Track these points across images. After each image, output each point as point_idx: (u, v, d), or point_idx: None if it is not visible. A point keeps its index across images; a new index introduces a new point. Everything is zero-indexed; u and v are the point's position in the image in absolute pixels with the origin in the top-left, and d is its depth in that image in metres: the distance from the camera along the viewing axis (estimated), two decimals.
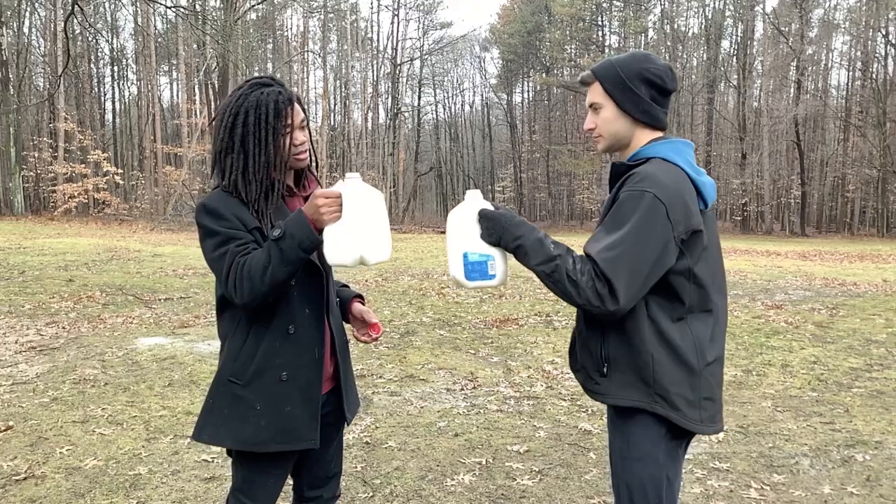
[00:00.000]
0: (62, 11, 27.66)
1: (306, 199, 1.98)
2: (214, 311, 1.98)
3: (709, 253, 1.77)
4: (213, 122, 1.89)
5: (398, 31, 45.76)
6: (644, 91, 1.78)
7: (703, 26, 39.55)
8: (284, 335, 1.85)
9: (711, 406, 1.77)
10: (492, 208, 1.80)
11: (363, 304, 2.19)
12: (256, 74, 2.13)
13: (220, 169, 1.85)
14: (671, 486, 1.79)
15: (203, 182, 32.79)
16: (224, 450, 3.58)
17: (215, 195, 1.83)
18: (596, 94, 1.82)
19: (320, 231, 1.74)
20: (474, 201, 1.84)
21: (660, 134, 1.85)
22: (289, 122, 1.83)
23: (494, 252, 1.79)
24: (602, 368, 1.80)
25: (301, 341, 1.87)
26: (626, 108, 1.79)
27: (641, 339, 1.72)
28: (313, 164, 2.01)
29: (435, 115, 58.77)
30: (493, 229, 1.76)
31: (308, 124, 1.94)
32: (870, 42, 36.60)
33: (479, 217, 1.80)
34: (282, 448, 1.87)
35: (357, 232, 1.75)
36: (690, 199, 1.72)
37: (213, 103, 30.92)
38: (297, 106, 1.86)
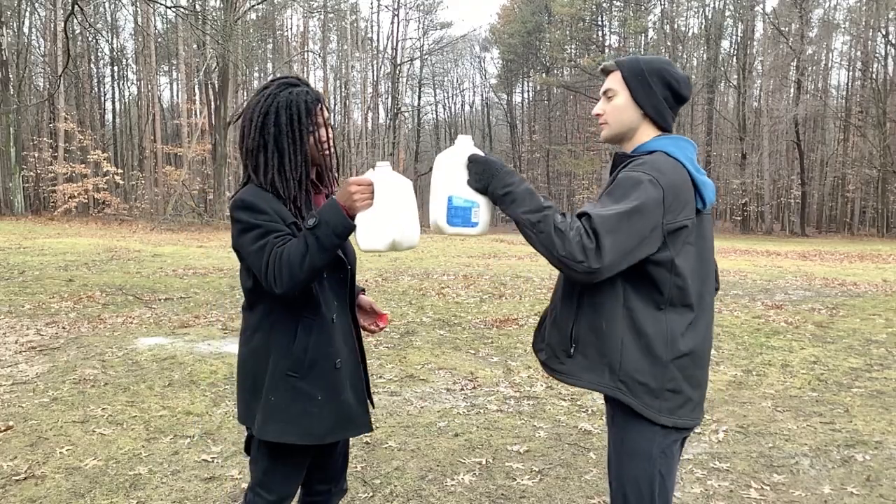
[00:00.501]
0: (62, 11, 27.68)
1: (328, 196, 2.02)
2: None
3: (694, 250, 1.78)
4: (240, 121, 1.91)
5: (398, 31, 45.87)
6: (659, 89, 1.82)
7: (703, 26, 39.55)
8: (331, 324, 1.89)
9: (675, 398, 1.77)
10: (483, 154, 1.78)
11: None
12: (283, 75, 2.15)
13: (252, 166, 1.88)
14: (664, 482, 1.80)
15: (203, 182, 32.81)
16: (223, 449, 3.60)
17: (251, 190, 1.84)
18: (613, 81, 1.87)
19: (353, 217, 1.78)
20: (465, 146, 1.80)
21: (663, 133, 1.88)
22: (318, 120, 1.89)
23: (480, 199, 1.77)
24: (569, 349, 1.81)
25: (341, 330, 1.92)
26: (638, 99, 1.83)
27: (615, 324, 1.74)
28: (333, 163, 2.04)
29: (435, 115, 58.90)
30: (483, 175, 1.74)
31: (332, 122, 1.99)
32: (870, 42, 36.62)
33: (469, 161, 1.77)
34: (341, 436, 1.91)
35: (389, 218, 1.78)
36: (688, 194, 1.74)
37: (213, 103, 30.92)
38: (322, 105, 1.92)
